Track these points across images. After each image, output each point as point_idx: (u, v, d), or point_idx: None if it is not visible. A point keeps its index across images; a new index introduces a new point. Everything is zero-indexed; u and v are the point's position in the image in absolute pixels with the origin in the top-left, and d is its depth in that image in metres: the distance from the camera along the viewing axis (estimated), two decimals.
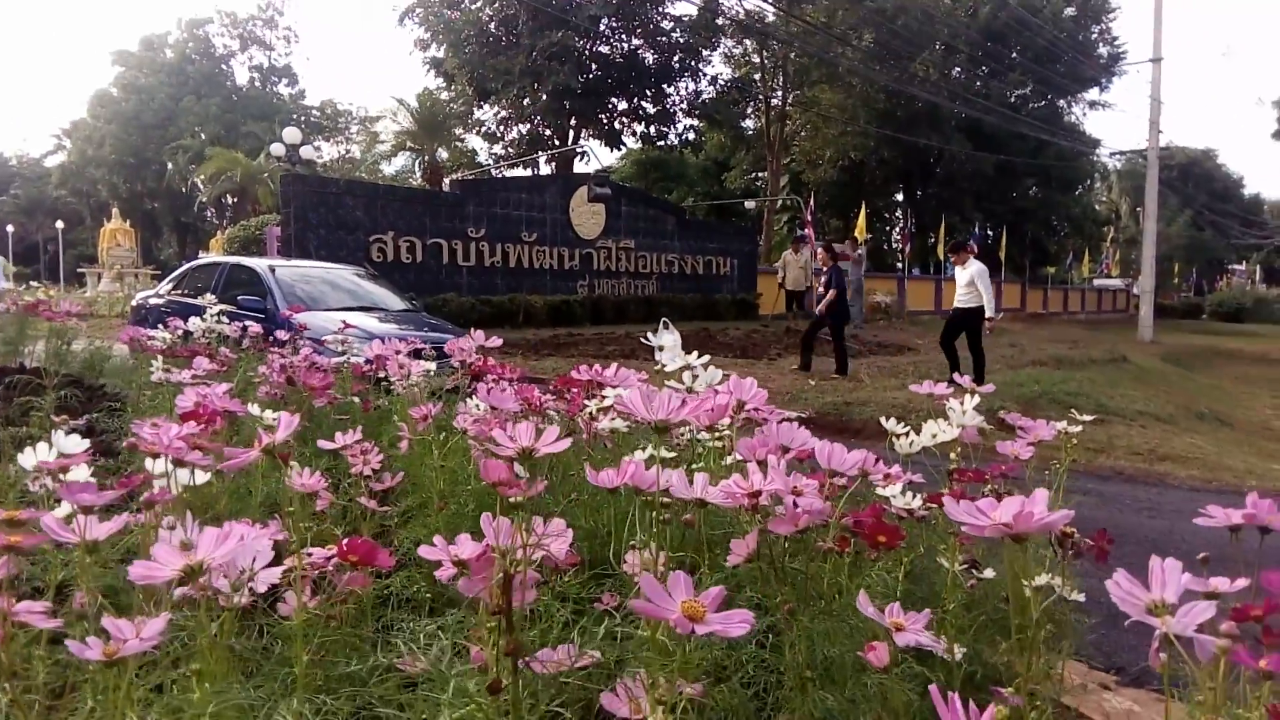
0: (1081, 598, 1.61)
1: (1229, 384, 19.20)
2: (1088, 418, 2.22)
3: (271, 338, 4.67)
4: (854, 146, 31.02)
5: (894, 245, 36.41)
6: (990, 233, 35.33)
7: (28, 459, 1.35)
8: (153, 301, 9.92)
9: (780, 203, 32.63)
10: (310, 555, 1.23)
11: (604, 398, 1.74)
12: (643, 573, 0.64)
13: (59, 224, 41.06)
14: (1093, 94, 36.72)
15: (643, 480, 1.12)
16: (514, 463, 0.85)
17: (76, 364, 6.22)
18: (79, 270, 31.38)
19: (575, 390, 2.15)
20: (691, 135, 30.34)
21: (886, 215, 38.89)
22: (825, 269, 11.63)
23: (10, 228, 40.97)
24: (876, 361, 13.59)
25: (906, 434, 1.97)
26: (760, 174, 36.91)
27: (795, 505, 1.06)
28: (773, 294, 19.76)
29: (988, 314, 10.29)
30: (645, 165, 38.53)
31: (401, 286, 11.02)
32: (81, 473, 1.30)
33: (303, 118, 41.88)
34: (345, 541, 1.26)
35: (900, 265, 31.58)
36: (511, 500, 0.84)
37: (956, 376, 2.09)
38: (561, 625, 1.11)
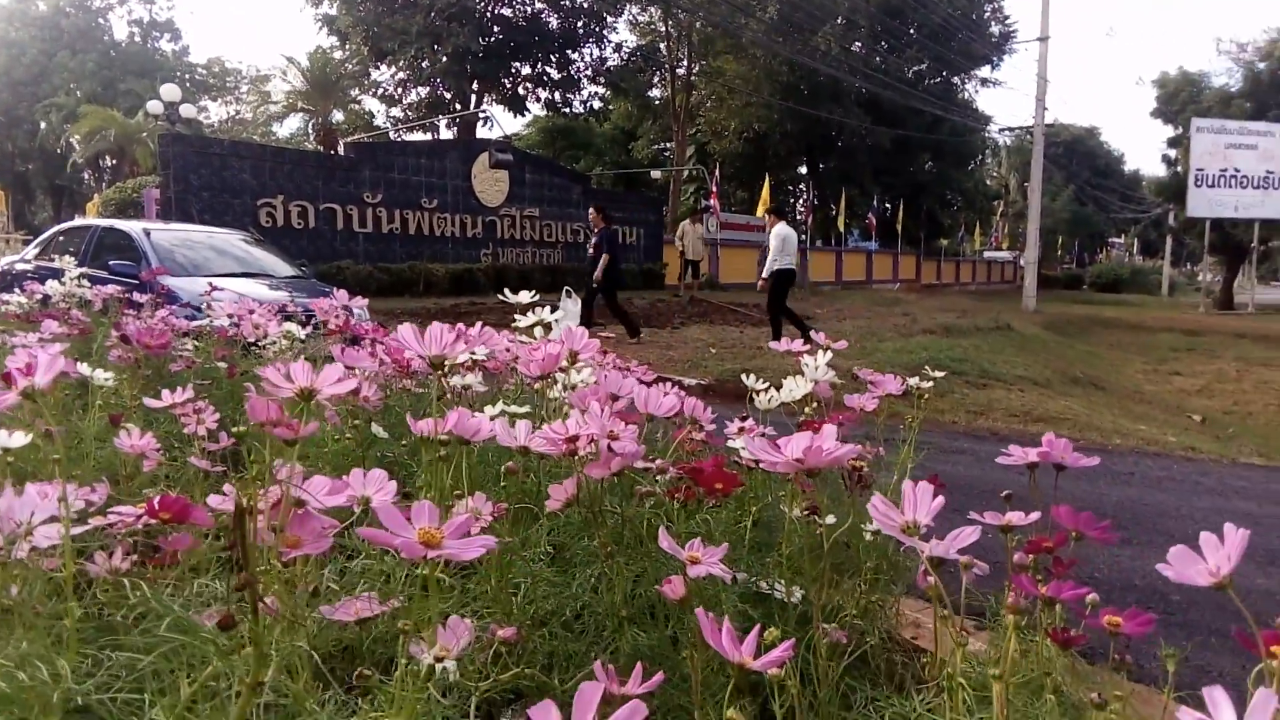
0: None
1: (1105, 350, 20.38)
2: (939, 374, 2.31)
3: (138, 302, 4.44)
4: (758, 118, 31.35)
5: (798, 217, 37.06)
6: (888, 206, 36.36)
7: None
8: (19, 267, 9.29)
9: (687, 173, 32.77)
10: (119, 513, 1.17)
11: (456, 356, 1.71)
12: (378, 498, 0.63)
13: None
14: (985, 72, 38.00)
15: (465, 429, 1.10)
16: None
17: None
18: None
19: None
20: (597, 103, 30.11)
21: (790, 188, 39.52)
22: (596, 231, 11.80)
23: None
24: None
25: (765, 390, 2.01)
26: (667, 144, 36.95)
27: (610, 449, 1.06)
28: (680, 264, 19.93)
29: (763, 273, 10.85)
30: (552, 133, 38.03)
31: (294, 253, 10.64)
32: None
33: (187, 76, 39.59)
34: (157, 499, 1.20)
35: (803, 237, 32.22)
36: (286, 441, 0.81)
37: (814, 334, 2.14)
38: (384, 578, 1.09)
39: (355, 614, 0.87)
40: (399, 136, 25.99)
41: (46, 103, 36.52)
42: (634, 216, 22.26)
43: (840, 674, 1.12)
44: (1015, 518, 1.11)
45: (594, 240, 11.58)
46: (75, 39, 39.69)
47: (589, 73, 28.01)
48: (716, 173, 25.90)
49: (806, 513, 1.76)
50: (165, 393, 1.54)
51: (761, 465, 0.92)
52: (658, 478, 1.28)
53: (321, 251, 14.61)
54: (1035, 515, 1.11)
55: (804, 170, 37.71)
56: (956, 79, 37.47)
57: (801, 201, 37.16)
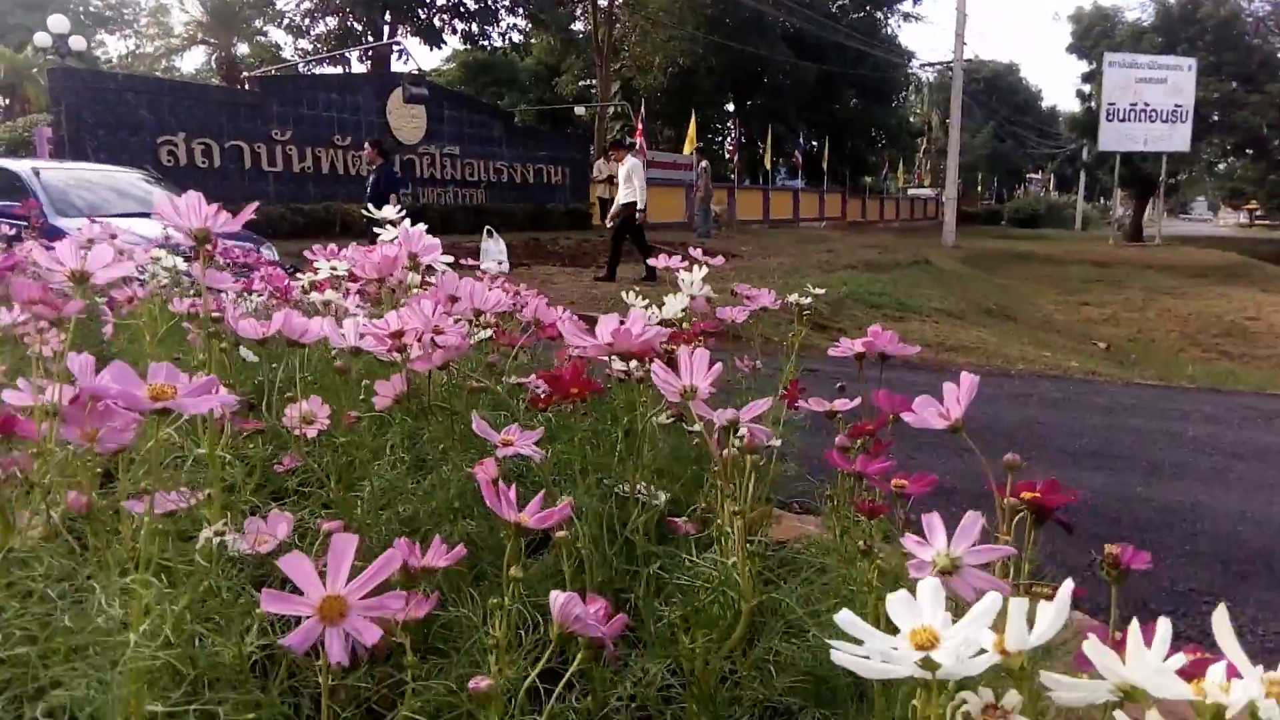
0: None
1: (1019, 284, 21.05)
2: (819, 291, 2.36)
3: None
4: (683, 53, 30.95)
5: (724, 155, 36.96)
6: (815, 144, 36.52)
7: None
8: None
9: (612, 110, 32.26)
10: None
11: (317, 271, 1.68)
12: (113, 363, 0.62)
13: None
14: (906, 5, 38.17)
15: (294, 329, 1.09)
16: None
17: None
18: None
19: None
20: (517, 36, 29.26)
21: (717, 126, 39.29)
22: (372, 167, 11.82)
23: None
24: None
25: (647, 307, 2.03)
26: (592, 80, 36.25)
27: (434, 343, 1.07)
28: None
29: (639, 206, 10.93)
30: (473, 69, 36.92)
31: (200, 191, 10.18)
32: None
33: (80, 8, 37.04)
34: None
35: (730, 175, 32.21)
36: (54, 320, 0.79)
37: (691, 250, 2.16)
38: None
39: (166, 508, 0.86)
40: (308, 70, 24.89)
41: None
42: (559, 155, 21.91)
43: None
44: (840, 404, 1.16)
45: (370, 178, 11.45)
46: None
47: (507, 3, 27.16)
48: (642, 110, 25.55)
49: (672, 420, 1.81)
50: (2, 310, 1.47)
51: (573, 350, 0.93)
52: (502, 384, 1.29)
53: (230, 192, 13.99)
54: (856, 401, 1.15)
55: (731, 108, 37.51)
56: (880, 13, 37.51)
57: (728, 140, 37.07)
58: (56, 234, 6.29)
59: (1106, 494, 3.76)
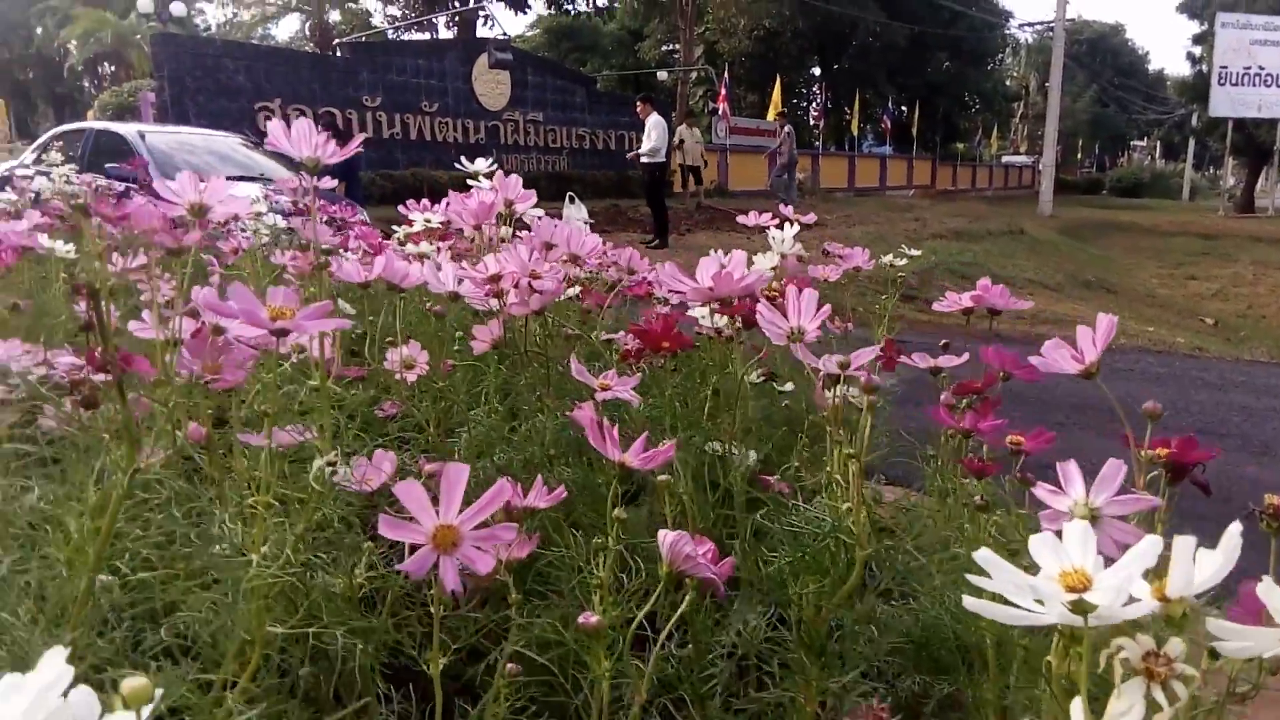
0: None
1: (1120, 255, 20.09)
2: (915, 252, 2.28)
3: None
4: (768, 15, 30.25)
5: (810, 121, 36.11)
6: (904, 109, 35.35)
7: None
8: (19, 172, 9.23)
9: (695, 75, 31.83)
10: (62, 362, 1.19)
11: (412, 224, 1.70)
12: (233, 284, 0.62)
13: None
14: None
15: (394, 274, 1.10)
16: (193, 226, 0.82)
17: None
18: None
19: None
20: (601, 0, 29.02)
21: (802, 91, 38.38)
22: None
23: None
24: None
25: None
26: (676, 45, 35.80)
27: (531, 288, 1.06)
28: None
29: (636, 152, 11.15)
30: (557, 34, 36.89)
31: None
32: None
33: None
34: (97, 349, 1.22)
35: (815, 142, 31.51)
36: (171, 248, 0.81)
37: (781, 208, 2.11)
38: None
39: (285, 443, 0.88)
40: (397, 36, 25.25)
41: (40, 5, 35.54)
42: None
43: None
44: (944, 361, 1.11)
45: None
46: None
47: None
48: (725, 74, 25.12)
49: (763, 378, 1.78)
50: (116, 257, 1.53)
51: (671, 295, 0.91)
52: (595, 335, 1.28)
53: None
54: (964, 357, 1.10)
55: (817, 71, 36.56)
56: None
57: (814, 105, 36.21)
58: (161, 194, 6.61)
59: (1216, 473, 3.56)
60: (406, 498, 0.59)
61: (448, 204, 2.10)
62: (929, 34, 32.30)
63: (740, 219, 2.07)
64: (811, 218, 2.09)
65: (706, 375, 1.78)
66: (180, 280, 0.84)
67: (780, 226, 2.01)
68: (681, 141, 17.73)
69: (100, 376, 0.82)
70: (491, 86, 18.00)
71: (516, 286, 1.05)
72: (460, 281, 1.08)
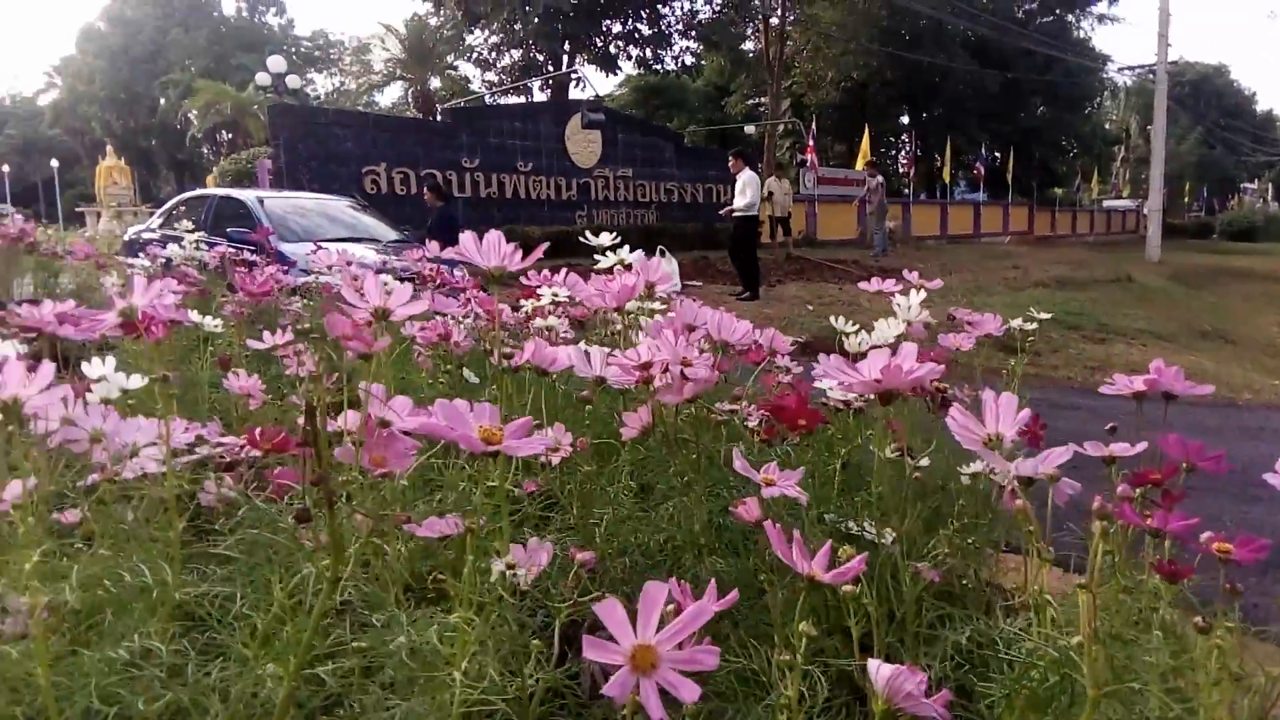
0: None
1: (1236, 303, 19.05)
2: (1044, 315, 2.19)
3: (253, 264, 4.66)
4: (856, 67, 30.30)
5: (899, 170, 35.74)
6: (997, 154, 34.69)
7: None
8: (145, 236, 9.86)
9: (782, 127, 32.01)
10: (224, 443, 1.24)
11: (539, 297, 1.72)
12: (439, 402, 0.63)
13: (54, 163, 40.56)
14: (1101, 7, 35.63)
15: (544, 359, 1.11)
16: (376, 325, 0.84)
17: (65, 296, 6.25)
18: (78, 209, 31.13)
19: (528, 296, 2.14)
20: (689, 59, 29.64)
21: (891, 139, 38.11)
22: (432, 211, 11.21)
23: (5, 168, 40.48)
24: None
25: (856, 332, 1.95)
26: (762, 99, 36.14)
27: (683, 375, 1.05)
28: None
29: (726, 209, 11.00)
30: (644, 92, 37.73)
31: (397, 219, 10.92)
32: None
33: (293, 49, 40.95)
34: (258, 430, 1.26)
35: (905, 190, 31.15)
36: (361, 355, 0.83)
37: (906, 273, 2.06)
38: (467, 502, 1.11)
39: (439, 531, 0.89)
40: (494, 100, 26.26)
41: (164, 79, 38.44)
42: (728, 174, 21.91)
43: (930, 607, 1.08)
44: (1119, 449, 1.05)
45: (430, 221, 10.91)
46: (186, 15, 41.56)
47: (680, 27, 27.61)
48: (813, 126, 25.19)
49: (897, 453, 1.72)
50: (266, 334, 1.60)
51: (837, 387, 0.89)
52: (739, 415, 1.26)
53: (423, 217, 14.95)
54: (1142, 446, 1.04)
55: (905, 120, 36.30)
56: (1070, 16, 35.22)
57: (903, 153, 35.87)
58: (280, 257, 6.93)
59: None
60: (608, 617, 0.58)
61: (566, 273, 2.13)
62: (1022, 80, 31.76)
63: (862, 285, 2.03)
64: (937, 283, 2.03)
65: (834, 447, 1.74)
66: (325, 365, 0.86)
67: (904, 291, 1.96)
68: (770, 194, 17.79)
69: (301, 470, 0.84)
70: (583, 145, 18.50)
71: (665, 373, 1.05)
72: (607, 366, 1.09)
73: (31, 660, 0.65)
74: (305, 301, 3.28)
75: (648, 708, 0.57)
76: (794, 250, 18.12)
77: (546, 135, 17.84)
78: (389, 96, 36.28)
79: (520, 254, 0.88)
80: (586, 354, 1.07)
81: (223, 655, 0.77)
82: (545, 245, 0.97)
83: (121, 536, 0.99)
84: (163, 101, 39.65)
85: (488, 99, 26.57)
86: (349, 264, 2.37)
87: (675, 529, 1.14)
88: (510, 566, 0.71)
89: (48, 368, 0.77)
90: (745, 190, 10.76)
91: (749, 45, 33.68)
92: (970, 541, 1.45)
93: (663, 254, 11.82)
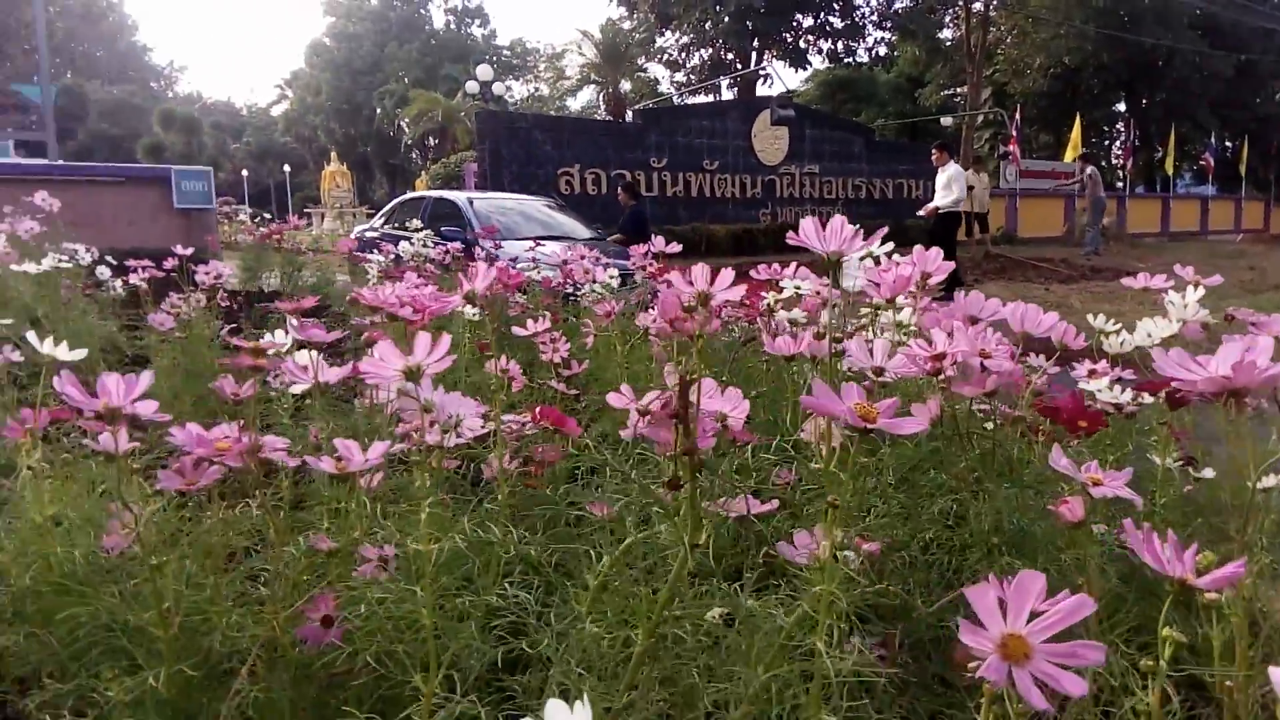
0: None
1: None
2: None
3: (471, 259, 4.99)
4: (1067, 51, 28.20)
5: (1112, 161, 32.98)
6: (1229, 144, 31.26)
7: (273, 338, 1.54)
8: (369, 235, 10.75)
9: (981, 118, 30.33)
10: (509, 420, 1.33)
11: (782, 290, 1.73)
12: (816, 383, 0.64)
13: (285, 168, 45.00)
14: None
15: (820, 349, 1.11)
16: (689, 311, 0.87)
17: (306, 289, 6.93)
18: (304, 210, 34.42)
19: (754, 290, 2.15)
20: (882, 50, 28.68)
21: (1104, 128, 35.21)
22: (625, 210, 10.84)
23: (245, 173, 45.33)
24: (1090, 287, 12.59)
25: (1117, 332, 1.81)
26: (959, 89, 34.38)
27: (982, 368, 1.01)
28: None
29: (929, 207, 10.43)
30: (831, 86, 36.87)
31: (588, 217, 11.30)
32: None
33: (494, 58, 43.25)
34: (539, 409, 1.35)
35: (1121, 183, 28.71)
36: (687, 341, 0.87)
37: (1177, 268, 1.89)
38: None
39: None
40: (681, 101, 26.58)
41: (381, 90, 41.70)
42: (921, 168, 21.07)
43: None
44: None
45: (621, 219, 10.87)
46: (401, 30, 44.87)
47: (874, 18, 26.79)
48: (1017, 116, 23.69)
49: (1180, 463, 1.59)
50: (530, 322, 1.70)
51: (1176, 384, 0.83)
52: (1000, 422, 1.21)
53: (612, 215, 15.34)
54: None
55: (1121, 107, 33.42)
56: None
57: (1118, 144, 33.10)
58: (484, 251, 7.38)
59: None
60: (978, 601, 0.58)
61: (798, 267, 2.13)
62: (1261, 61, 28.44)
63: (1126, 281, 1.89)
64: (1216, 279, 1.86)
65: (1103, 454, 1.63)
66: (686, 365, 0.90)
67: (1178, 288, 1.81)
68: (970, 188, 16.90)
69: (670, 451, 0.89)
70: (770, 142, 18.37)
71: (955, 365, 1.02)
72: (890, 358, 1.07)
73: (407, 603, 0.73)
74: (523, 294, 3.48)
75: (1028, 698, 0.56)
76: (992, 248, 17.14)
77: (733, 133, 17.85)
78: (579, 100, 37.58)
79: (859, 238, 0.89)
80: (869, 344, 1.06)
81: (549, 610, 0.83)
82: (884, 229, 0.97)
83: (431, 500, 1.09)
84: (379, 110, 43.03)
85: (675, 99, 26.94)
86: (583, 257, 2.48)
87: (946, 530, 1.11)
88: (838, 545, 0.72)
89: (424, 339, 0.86)
90: (950, 185, 10.27)
91: (947, 33, 32.20)
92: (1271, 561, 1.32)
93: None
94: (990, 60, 30.70)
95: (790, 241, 0.91)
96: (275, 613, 0.83)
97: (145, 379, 0.83)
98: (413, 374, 0.79)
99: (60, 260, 2.98)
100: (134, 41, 52.28)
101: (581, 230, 9.63)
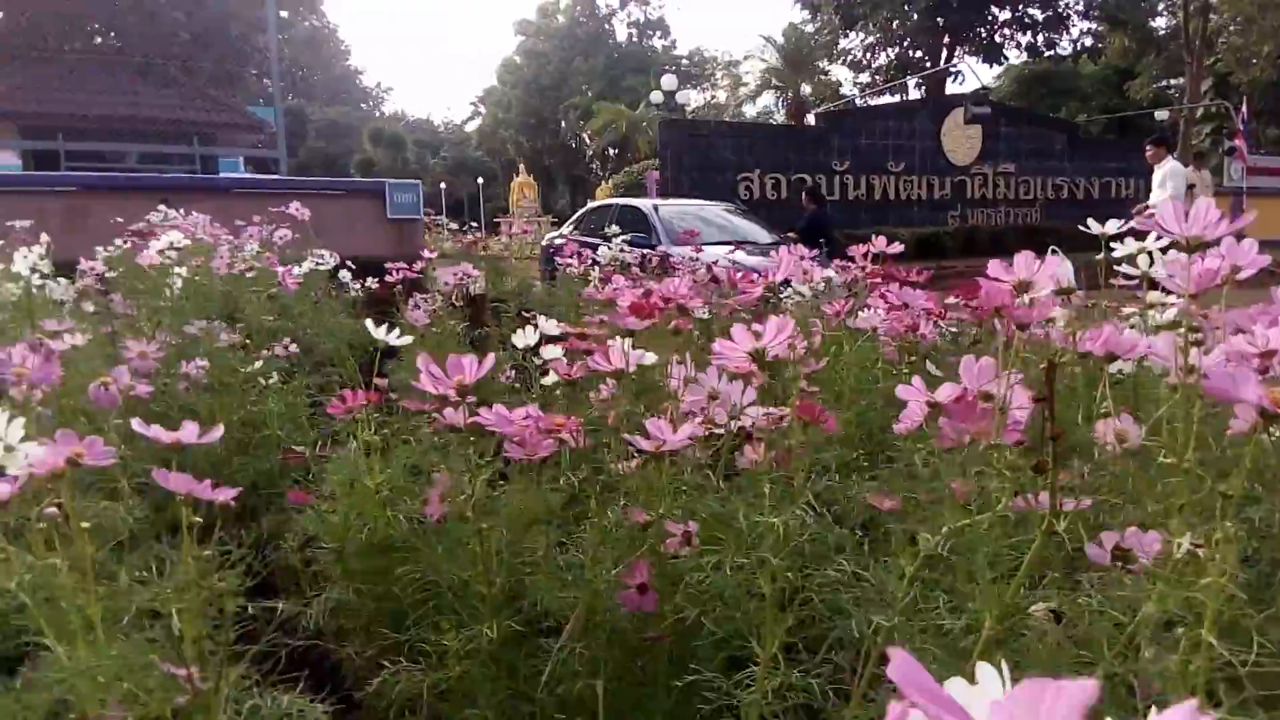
0: None
1: None
2: None
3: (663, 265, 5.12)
4: None
5: None
6: None
7: (520, 339, 1.65)
8: (558, 242, 11.24)
9: (1201, 112, 27.66)
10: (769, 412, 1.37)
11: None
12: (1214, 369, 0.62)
13: (479, 180, 47.65)
14: None
15: (1118, 345, 1.07)
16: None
17: (511, 292, 7.37)
18: (495, 220, 36.30)
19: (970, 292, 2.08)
20: (1088, 41, 26.76)
21: None
22: (804, 213, 9.94)
23: (443, 185, 48.37)
24: None
25: None
26: (1173, 80, 31.53)
27: None
28: None
29: (1146, 205, 9.01)
30: (1027, 81, 34.72)
31: (769, 222, 11.27)
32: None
33: (675, 68, 43.93)
34: (798, 403, 1.37)
35: None
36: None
37: None
38: None
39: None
40: (864, 102, 25.94)
41: (566, 103, 43.35)
42: (1131, 166, 19.45)
43: None
44: None
45: (799, 222, 10.19)
46: (587, 45, 46.47)
47: (1079, 7, 25.05)
48: (1243, 108, 21.41)
49: None
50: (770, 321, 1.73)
51: None
52: None
53: (791, 219, 15.20)
54: None
55: None
56: None
57: None
58: (668, 258, 7.54)
59: None
60: None
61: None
62: None
63: None
64: None
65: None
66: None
67: None
68: (1191, 186, 15.45)
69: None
70: (960, 142, 17.57)
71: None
72: (1205, 355, 1.01)
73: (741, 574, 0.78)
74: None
75: None
76: None
77: (921, 133, 17.21)
78: (756, 106, 37.47)
79: (1224, 220, 0.85)
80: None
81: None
82: (1252, 216, 0.93)
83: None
84: (563, 123, 44.76)
85: (858, 101, 26.32)
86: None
87: None
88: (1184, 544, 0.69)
89: (774, 322, 0.91)
90: (1166, 183, 9.45)
91: (1161, 21, 29.62)
92: None
93: (1054, 252, 10.82)
94: (1211, 49, 27.95)
95: (1138, 226, 0.88)
96: (596, 577, 0.90)
97: (489, 361, 0.93)
98: (758, 356, 0.84)
99: (316, 264, 3.32)
100: (348, 65, 57.00)
101: (763, 235, 9.63)
